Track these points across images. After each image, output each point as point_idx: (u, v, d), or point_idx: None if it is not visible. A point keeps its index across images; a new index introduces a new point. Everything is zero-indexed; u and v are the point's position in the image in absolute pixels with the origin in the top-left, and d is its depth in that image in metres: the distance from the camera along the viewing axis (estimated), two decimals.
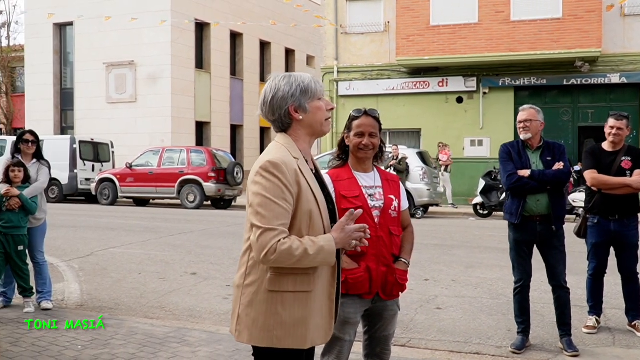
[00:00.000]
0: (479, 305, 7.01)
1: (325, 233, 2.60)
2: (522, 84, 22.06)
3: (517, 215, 5.40)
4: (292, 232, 2.52)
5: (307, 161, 2.69)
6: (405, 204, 3.67)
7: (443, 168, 20.79)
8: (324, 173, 3.53)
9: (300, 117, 2.66)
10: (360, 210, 2.65)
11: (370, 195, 3.48)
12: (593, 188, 5.98)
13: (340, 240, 2.55)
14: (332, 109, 2.75)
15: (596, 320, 6.05)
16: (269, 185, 2.49)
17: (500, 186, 17.68)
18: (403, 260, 3.54)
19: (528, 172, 5.35)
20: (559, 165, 5.35)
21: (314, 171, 2.75)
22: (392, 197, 3.54)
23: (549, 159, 5.43)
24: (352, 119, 3.58)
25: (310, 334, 2.59)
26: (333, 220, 2.72)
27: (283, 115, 2.66)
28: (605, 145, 6.04)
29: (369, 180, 3.54)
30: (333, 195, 3.02)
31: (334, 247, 2.52)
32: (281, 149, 2.62)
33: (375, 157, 3.61)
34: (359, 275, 3.36)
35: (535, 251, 5.54)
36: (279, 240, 2.44)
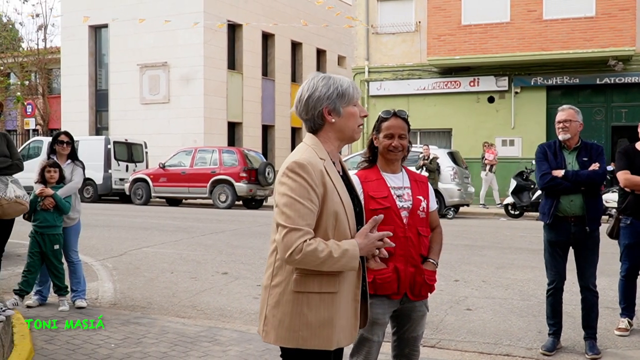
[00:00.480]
0: (509, 307, 6.97)
1: (350, 234, 2.61)
2: (554, 83, 21.83)
3: (549, 215, 5.35)
4: (318, 232, 2.53)
5: (334, 163, 2.70)
6: (433, 205, 3.67)
7: (488, 167, 20.57)
8: (352, 174, 3.56)
9: (333, 120, 2.66)
10: (381, 216, 2.66)
11: (398, 196, 3.48)
12: (626, 189, 5.90)
13: (364, 246, 2.55)
14: (365, 116, 2.75)
15: (628, 322, 5.98)
16: (294, 185, 2.50)
17: (532, 186, 17.52)
18: (431, 260, 3.54)
19: (562, 172, 5.29)
20: (594, 166, 5.28)
21: (341, 173, 2.76)
22: (421, 197, 3.55)
23: (585, 159, 5.35)
24: (381, 120, 3.58)
25: (336, 335, 2.60)
26: (360, 222, 2.73)
27: (316, 116, 2.66)
28: (639, 146, 5.96)
29: (397, 181, 3.55)
30: (361, 198, 3.04)
31: (358, 252, 2.53)
32: (308, 149, 2.63)
33: (402, 158, 3.62)
34: (387, 276, 3.37)
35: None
36: (305, 241, 2.44)
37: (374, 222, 2.59)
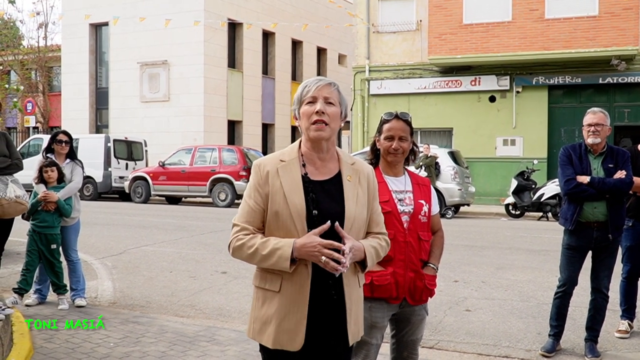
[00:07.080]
0: (509, 308, 6.95)
1: (298, 237, 2.54)
2: (556, 82, 21.78)
3: (571, 221, 5.24)
4: (265, 230, 2.63)
5: (304, 165, 2.66)
6: (435, 209, 3.62)
7: None
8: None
9: (298, 124, 2.74)
10: (329, 223, 2.53)
11: (400, 200, 3.43)
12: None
13: (301, 247, 2.48)
14: (317, 111, 2.62)
15: (629, 324, 5.96)
16: (248, 184, 2.72)
17: (533, 186, 17.51)
18: (431, 265, 3.51)
19: (587, 179, 5.14)
20: (620, 174, 5.15)
21: (330, 176, 2.67)
22: (422, 202, 3.50)
23: (610, 165, 5.21)
24: (382, 122, 3.54)
25: (279, 336, 2.59)
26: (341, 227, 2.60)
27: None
28: None
29: (399, 185, 3.50)
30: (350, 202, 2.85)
31: (289, 253, 2.48)
32: (280, 151, 2.75)
33: (406, 160, 3.58)
34: (384, 279, 3.34)
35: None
36: (237, 237, 2.61)
37: (322, 229, 2.52)
